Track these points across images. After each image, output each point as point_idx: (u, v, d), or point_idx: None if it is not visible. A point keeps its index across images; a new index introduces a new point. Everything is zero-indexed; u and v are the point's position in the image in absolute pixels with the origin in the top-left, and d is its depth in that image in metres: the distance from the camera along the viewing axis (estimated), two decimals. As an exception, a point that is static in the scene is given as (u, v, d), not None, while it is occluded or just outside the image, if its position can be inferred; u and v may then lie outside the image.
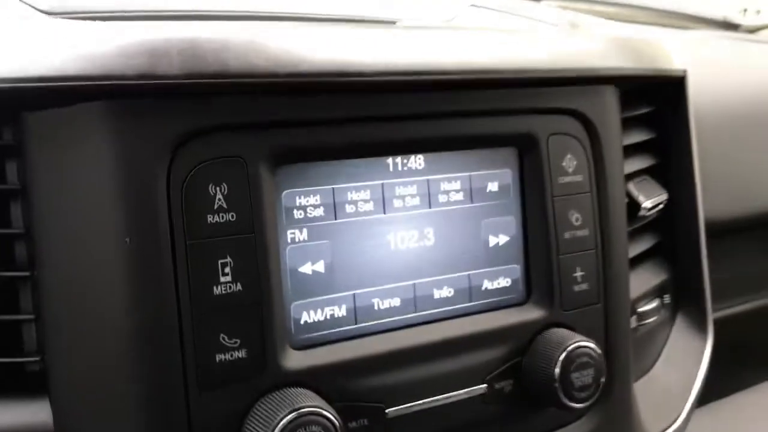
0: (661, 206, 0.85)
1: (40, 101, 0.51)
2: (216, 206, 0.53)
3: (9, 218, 0.55)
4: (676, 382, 0.84)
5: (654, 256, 0.88)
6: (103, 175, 0.51)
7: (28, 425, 0.53)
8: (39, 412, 0.54)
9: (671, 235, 0.90)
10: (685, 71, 0.85)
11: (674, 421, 0.80)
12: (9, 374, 0.55)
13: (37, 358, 0.54)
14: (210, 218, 0.53)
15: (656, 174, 0.87)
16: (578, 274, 0.69)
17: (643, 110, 0.85)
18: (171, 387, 0.52)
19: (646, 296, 0.84)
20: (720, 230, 0.95)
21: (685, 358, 0.86)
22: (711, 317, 0.87)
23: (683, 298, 0.89)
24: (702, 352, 0.86)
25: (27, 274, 0.54)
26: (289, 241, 0.58)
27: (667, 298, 0.88)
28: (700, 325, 0.88)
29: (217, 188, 0.54)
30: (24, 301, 0.55)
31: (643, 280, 0.84)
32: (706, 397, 0.85)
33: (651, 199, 0.82)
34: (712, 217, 0.92)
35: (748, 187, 0.99)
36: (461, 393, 0.63)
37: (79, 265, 0.52)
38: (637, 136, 0.84)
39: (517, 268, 0.68)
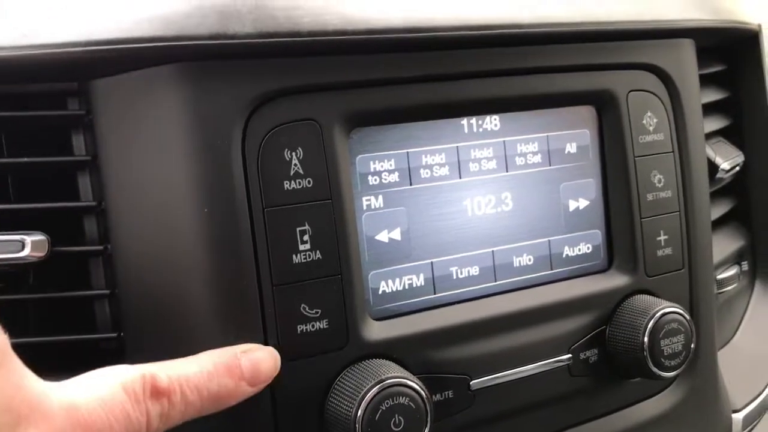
0: (737, 168, 0.81)
1: (108, 66, 0.49)
2: (292, 172, 0.51)
3: (77, 191, 0.53)
4: (759, 351, 0.80)
5: (730, 222, 0.84)
6: (177, 143, 0.49)
7: (106, 403, 0.52)
8: (117, 389, 0.52)
9: (746, 199, 0.86)
10: (759, 26, 0.81)
11: (760, 392, 0.77)
12: (83, 353, 0.53)
13: (114, 335, 0.52)
14: (287, 184, 0.51)
15: (730, 136, 0.83)
16: (662, 238, 0.66)
17: (717, 68, 0.81)
18: (253, 360, 0.50)
19: (725, 263, 0.80)
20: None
21: (766, 328, 0.82)
22: (792, 284, 0.83)
23: (761, 264, 0.85)
24: (784, 321, 0.82)
25: (100, 248, 0.52)
26: (364, 208, 0.56)
27: (744, 265, 0.84)
28: (780, 293, 0.84)
29: (293, 153, 0.51)
30: (96, 278, 0.53)
31: (720, 247, 0.80)
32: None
33: (728, 161, 0.78)
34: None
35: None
36: (546, 363, 0.60)
37: (155, 237, 0.50)
38: (710, 96, 0.80)
39: (598, 234, 0.65)
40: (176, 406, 0.43)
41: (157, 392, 0.42)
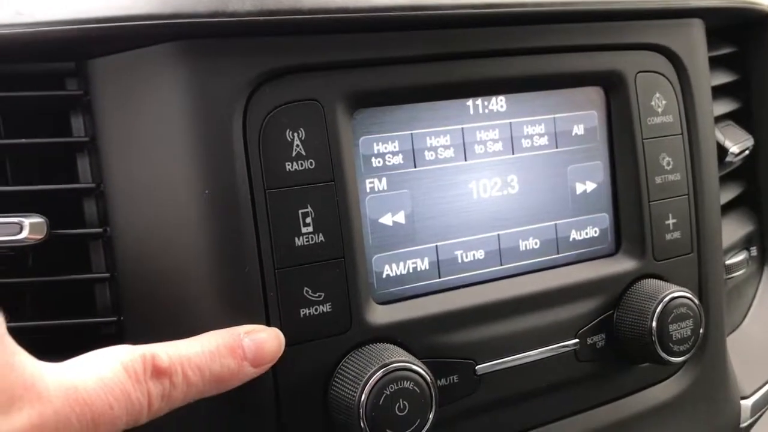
0: (747, 152, 0.79)
1: (106, 45, 0.49)
2: (294, 153, 0.50)
3: (77, 173, 0.52)
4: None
5: (738, 207, 0.83)
6: (176, 124, 0.48)
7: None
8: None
9: (755, 184, 0.84)
10: (770, 7, 0.80)
11: (769, 378, 0.76)
12: (83, 337, 0.52)
13: (113, 318, 0.51)
14: (289, 166, 0.50)
15: (740, 119, 0.82)
16: (670, 221, 0.64)
17: (726, 51, 0.79)
18: (255, 344, 0.49)
19: (733, 248, 0.79)
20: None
21: (775, 313, 0.81)
22: (802, 270, 0.82)
23: (771, 250, 0.84)
24: (794, 307, 0.81)
25: (99, 231, 0.52)
26: (367, 190, 0.55)
27: (753, 251, 0.83)
28: (789, 278, 0.83)
29: (295, 134, 0.50)
30: (95, 261, 0.53)
31: (729, 232, 0.78)
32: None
33: (738, 144, 0.77)
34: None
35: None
36: (553, 348, 0.59)
37: (156, 220, 0.49)
38: (720, 79, 0.78)
39: (605, 217, 0.64)
40: (178, 386, 0.42)
41: (158, 372, 0.41)
